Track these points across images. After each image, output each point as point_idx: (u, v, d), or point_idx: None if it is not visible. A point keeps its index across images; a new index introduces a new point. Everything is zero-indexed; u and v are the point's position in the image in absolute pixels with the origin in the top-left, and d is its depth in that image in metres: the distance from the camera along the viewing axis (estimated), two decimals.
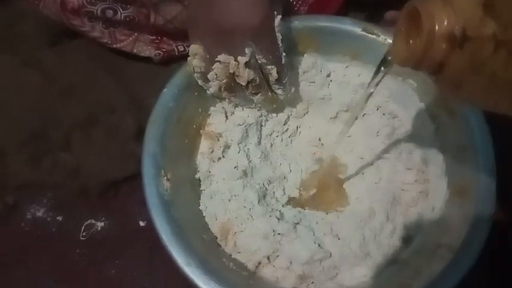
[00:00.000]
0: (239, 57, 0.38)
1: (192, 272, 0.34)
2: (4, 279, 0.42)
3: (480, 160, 0.40)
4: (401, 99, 0.47)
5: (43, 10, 0.47)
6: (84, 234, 0.44)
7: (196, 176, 0.43)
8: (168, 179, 0.39)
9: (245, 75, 0.39)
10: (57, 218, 0.44)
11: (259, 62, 0.39)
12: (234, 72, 0.39)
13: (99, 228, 0.44)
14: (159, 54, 0.51)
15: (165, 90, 0.42)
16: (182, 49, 0.51)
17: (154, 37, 0.50)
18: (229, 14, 0.37)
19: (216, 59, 0.39)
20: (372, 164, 0.47)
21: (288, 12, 0.48)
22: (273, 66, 0.40)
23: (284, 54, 0.41)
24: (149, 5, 0.46)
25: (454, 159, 0.43)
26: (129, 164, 0.45)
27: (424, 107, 0.45)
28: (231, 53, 0.38)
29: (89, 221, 0.44)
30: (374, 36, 0.46)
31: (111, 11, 0.47)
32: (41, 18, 0.49)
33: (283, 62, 0.41)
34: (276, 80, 0.41)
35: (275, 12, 0.39)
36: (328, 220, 0.44)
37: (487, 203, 0.38)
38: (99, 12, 0.46)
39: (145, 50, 0.51)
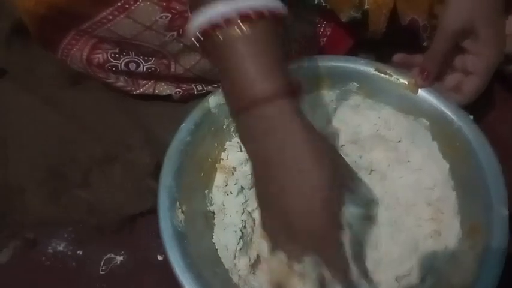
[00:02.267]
0: (295, 266, 0.35)
1: None
2: None
3: (492, 198, 0.41)
4: (414, 138, 0.49)
5: (70, 65, 0.51)
6: (103, 268, 0.47)
7: (210, 208, 0.46)
8: (183, 211, 0.42)
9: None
10: (78, 252, 0.48)
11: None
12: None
13: (118, 262, 0.47)
14: (179, 92, 0.55)
15: (182, 125, 0.45)
16: (201, 88, 0.55)
17: (174, 81, 0.55)
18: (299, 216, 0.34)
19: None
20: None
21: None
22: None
23: None
24: (170, 56, 0.50)
25: (466, 197, 0.44)
26: (145, 200, 0.48)
27: (437, 145, 0.48)
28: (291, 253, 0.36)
29: (108, 255, 0.48)
30: (387, 76, 0.49)
31: (134, 64, 0.51)
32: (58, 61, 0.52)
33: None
34: None
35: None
36: None
37: (500, 240, 0.39)
38: (123, 65, 0.51)
39: (166, 89, 0.55)
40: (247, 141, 0.37)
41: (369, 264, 0.44)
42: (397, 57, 0.51)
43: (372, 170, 0.49)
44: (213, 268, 0.42)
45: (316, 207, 0.33)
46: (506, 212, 0.40)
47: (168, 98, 0.56)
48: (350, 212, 0.36)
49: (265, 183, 0.36)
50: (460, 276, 0.40)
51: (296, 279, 0.35)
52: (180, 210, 0.42)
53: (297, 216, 0.34)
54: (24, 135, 0.53)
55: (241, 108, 0.35)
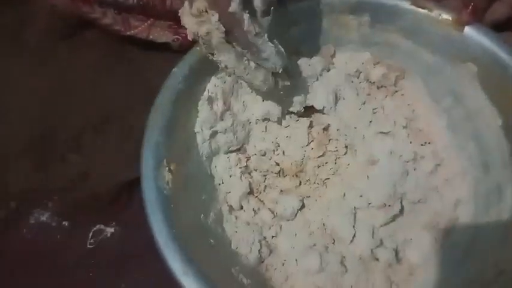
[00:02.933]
0: None
1: (188, 283, 0.31)
2: None
3: None
4: (460, 87, 0.41)
5: (51, 0, 0.45)
6: (91, 241, 0.42)
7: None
8: (170, 171, 0.36)
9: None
10: (63, 223, 0.43)
11: None
12: None
13: (108, 235, 0.42)
14: (178, 39, 0.48)
15: (174, 69, 0.39)
16: None
17: (171, 22, 0.48)
18: None
19: None
20: None
21: None
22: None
23: None
24: None
25: None
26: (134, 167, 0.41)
27: (487, 98, 0.39)
28: None
29: (97, 227, 0.42)
30: (426, 11, 0.40)
31: None
32: (51, 15, 0.48)
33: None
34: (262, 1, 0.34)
35: None
36: None
37: None
38: None
39: (162, 35, 0.48)
40: None
41: None
42: None
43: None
44: (208, 238, 0.37)
45: None
46: None
47: (167, 48, 0.49)
48: None
49: None
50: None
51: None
52: (167, 169, 0.35)
53: None
54: (11, 100, 0.48)
55: None
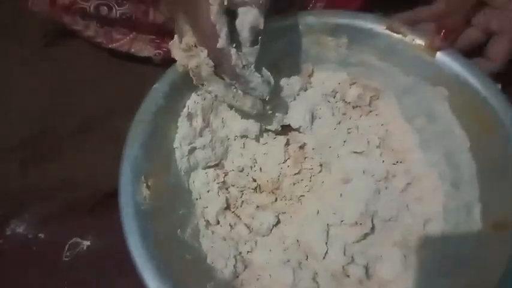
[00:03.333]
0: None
1: None
2: None
3: None
4: (432, 109, 0.42)
5: (32, 8, 0.46)
6: (67, 254, 0.41)
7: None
8: (148, 187, 0.36)
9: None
10: (39, 235, 0.43)
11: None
12: None
13: (84, 248, 0.42)
14: (160, 54, 0.49)
15: (155, 85, 0.39)
16: None
17: (154, 36, 0.48)
18: None
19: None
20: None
21: (301, 8, 0.45)
22: (252, 6, 0.35)
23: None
24: (148, 1, 0.44)
25: (491, 182, 0.38)
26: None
27: (456, 119, 0.41)
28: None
29: (73, 240, 0.42)
30: (400, 35, 0.42)
31: (105, 8, 0.45)
32: (36, 20, 0.48)
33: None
34: (250, 31, 0.35)
35: None
36: None
37: None
38: (92, 8, 0.45)
39: (144, 49, 0.49)
40: None
41: None
42: (399, 17, 0.43)
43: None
44: (184, 253, 0.37)
45: None
46: None
47: (149, 61, 0.50)
48: None
49: None
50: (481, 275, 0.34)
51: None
52: (145, 185, 0.36)
53: None
54: (1, 98, 0.48)
55: None
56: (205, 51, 0.34)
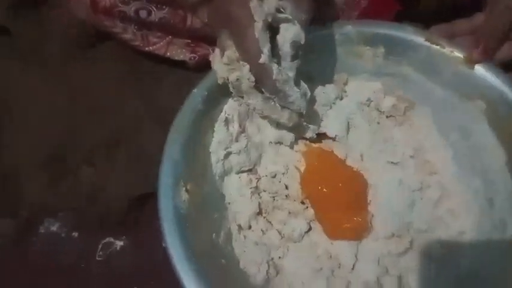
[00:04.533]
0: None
1: None
2: None
3: None
4: (467, 123, 0.42)
5: (72, 10, 0.46)
6: (100, 253, 0.41)
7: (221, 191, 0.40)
8: (187, 191, 0.36)
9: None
10: (72, 234, 0.42)
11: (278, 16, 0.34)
12: None
13: (118, 248, 0.42)
14: (194, 58, 0.49)
15: (194, 90, 0.39)
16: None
17: (189, 41, 0.48)
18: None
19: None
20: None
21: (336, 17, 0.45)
22: (294, 23, 0.35)
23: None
24: (187, 6, 0.44)
25: None
26: (148, 183, 0.42)
27: (495, 135, 0.40)
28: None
29: (107, 239, 0.42)
30: (438, 47, 0.41)
31: (145, 12, 0.45)
32: (69, 27, 0.49)
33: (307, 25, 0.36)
34: (291, 46, 0.36)
35: None
36: None
37: None
38: (132, 12, 0.45)
39: (180, 53, 0.49)
40: None
41: None
42: (435, 29, 0.43)
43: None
44: (219, 258, 0.37)
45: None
46: None
47: (183, 66, 0.50)
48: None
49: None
50: None
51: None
52: (184, 189, 0.36)
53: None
54: (24, 115, 0.48)
55: None
56: (247, 66, 0.34)
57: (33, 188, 0.44)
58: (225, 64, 0.35)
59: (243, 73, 0.35)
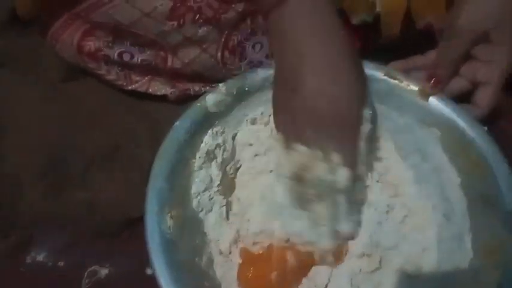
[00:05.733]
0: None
1: None
2: None
3: (506, 217, 0.38)
4: (425, 147, 0.45)
5: (59, 52, 0.48)
6: (86, 281, 0.42)
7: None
8: (172, 217, 0.37)
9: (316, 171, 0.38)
10: (59, 263, 0.43)
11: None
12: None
13: (102, 276, 0.42)
14: (175, 92, 0.51)
15: (177, 123, 0.41)
16: (198, 89, 0.51)
17: (170, 79, 0.50)
18: (313, 101, 0.37)
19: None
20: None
21: None
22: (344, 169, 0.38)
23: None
24: (167, 48, 0.46)
25: (480, 215, 0.40)
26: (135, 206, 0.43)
27: (447, 157, 0.44)
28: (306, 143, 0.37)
29: (92, 268, 0.43)
30: (397, 81, 0.45)
31: (128, 55, 0.47)
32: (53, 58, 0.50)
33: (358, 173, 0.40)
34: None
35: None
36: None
37: None
38: (116, 55, 0.47)
39: (161, 88, 0.51)
40: (275, 37, 0.39)
41: None
42: (393, 65, 0.47)
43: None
44: (200, 282, 0.38)
45: (344, 103, 0.37)
46: None
47: (164, 99, 0.52)
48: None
49: (289, 81, 0.38)
50: None
51: (316, 162, 0.37)
52: (169, 215, 0.37)
53: (326, 104, 0.36)
54: (22, 126, 0.49)
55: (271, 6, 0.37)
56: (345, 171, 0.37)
57: (33, 198, 0.45)
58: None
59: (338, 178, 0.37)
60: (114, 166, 0.47)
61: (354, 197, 0.40)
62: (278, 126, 0.40)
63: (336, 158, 0.37)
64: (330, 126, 0.37)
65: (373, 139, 0.44)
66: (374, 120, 0.44)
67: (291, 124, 0.38)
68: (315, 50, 0.37)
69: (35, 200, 0.44)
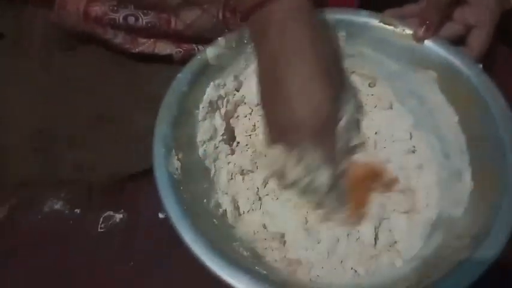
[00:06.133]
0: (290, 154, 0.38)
1: (198, 248, 0.34)
2: (21, 271, 0.42)
3: (505, 148, 0.39)
4: (422, 91, 0.46)
5: (66, 21, 0.49)
6: (102, 226, 0.44)
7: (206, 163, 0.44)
8: (179, 159, 0.39)
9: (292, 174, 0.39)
10: (75, 210, 0.45)
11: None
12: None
13: (117, 220, 0.44)
14: (180, 52, 0.52)
15: (179, 75, 0.43)
16: (202, 48, 0.52)
17: (174, 40, 0.52)
18: (290, 112, 0.38)
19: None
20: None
21: None
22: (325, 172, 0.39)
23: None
24: (169, 10, 0.48)
25: (478, 149, 0.41)
26: (142, 161, 0.44)
27: (445, 98, 0.44)
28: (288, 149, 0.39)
29: (107, 213, 0.44)
30: (392, 27, 0.46)
31: (133, 18, 0.49)
32: (49, 28, 0.51)
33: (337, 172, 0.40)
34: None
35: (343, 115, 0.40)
36: None
37: None
38: (121, 19, 0.49)
39: (167, 48, 0.52)
40: (255, 39, 0.40)
41: None
42: (387, 13, 0.48)
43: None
44: (211, 218, 0.40)
45: (321, 107, 0.37)
46: None
47: (169, 60, 0.53)
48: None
49: (272, 84, 0.39)
50: (472, 228, 0.37)
51: (292, 163, 0.39)
52: (176, 157, 0.39)
53: (301, 109, 0.37)
54: (12, 95, 0.49)
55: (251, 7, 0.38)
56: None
57: (21, 162, 0.46)
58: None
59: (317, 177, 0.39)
60: (104, 131, 0.48)
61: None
62: (264, 123, 0.42)
63: (313, 158, 0.38)
64: (308, 127, 0.37)
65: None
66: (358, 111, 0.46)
67: (273, 123, 0.40)
68: (296, 55, 0.37)
69: (24, 164, 0.46)
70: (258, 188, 0.44)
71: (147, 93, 0.49)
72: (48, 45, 0.52)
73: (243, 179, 0.45)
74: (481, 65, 0.43)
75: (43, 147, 0.47)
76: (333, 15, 0.47)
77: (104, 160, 0.46)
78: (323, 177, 0.39)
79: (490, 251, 0.34)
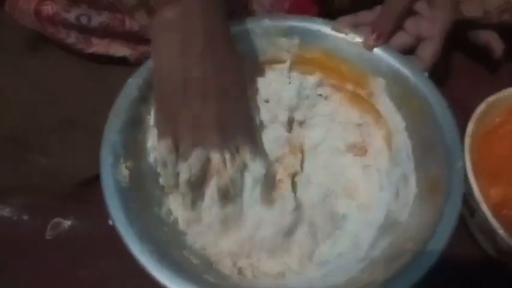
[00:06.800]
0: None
1: (145, 260, 0.33)
2: None
3: (450, 155, 0.40)
4: None
5: (18, 19, 0.47)
6: (50, 233, 0.43)
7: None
8: (127, 167, 0.38)
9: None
10: (23, 217, 0.44)
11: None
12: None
13: (66, 227, 0.43)
14: (135, 54, 0.51)
15: (130, 80, 0.42)
16: None
17: (129, 41, 0.51)
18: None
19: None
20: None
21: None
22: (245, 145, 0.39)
23: None
24: (124, 10, 0.47)
25: (424, 155, 0.42)
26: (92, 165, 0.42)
27: (394, 105, 0.45)
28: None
29: (56, 219, 0.43)
30: (343, 34, 0.47)
31: (85, 17, 0.47)
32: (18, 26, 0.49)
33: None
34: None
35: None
36: None
37: (458, 197, 0.38)
38: (73, 19, 0.47)
39: (121, 50, 0.51)
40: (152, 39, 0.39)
41: None
42: (343, 20, 0.48)
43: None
44: (161, 226, 0.39)
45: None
46: (462, 168, 0.39)
47: (127, 63, 0.52)
48: None
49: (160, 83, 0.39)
50: (417, 233, 0.38)
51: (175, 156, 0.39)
52: (124, 165, 0.38)
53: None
54: None
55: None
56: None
57: None
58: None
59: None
60: (72, 136, 0.47)
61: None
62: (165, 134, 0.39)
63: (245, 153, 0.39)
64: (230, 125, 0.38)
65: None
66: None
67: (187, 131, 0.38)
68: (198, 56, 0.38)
69: None
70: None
71: (112, 97, 0.47)
72: (14, 46, 0.51)
73: None
74: (427, 73, 0.44)
75: (16, 156, 0.46)
76: (287, 21, 0.47)
77: (72, 166, 0.46)
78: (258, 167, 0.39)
79: (433, 252, 0.35)
